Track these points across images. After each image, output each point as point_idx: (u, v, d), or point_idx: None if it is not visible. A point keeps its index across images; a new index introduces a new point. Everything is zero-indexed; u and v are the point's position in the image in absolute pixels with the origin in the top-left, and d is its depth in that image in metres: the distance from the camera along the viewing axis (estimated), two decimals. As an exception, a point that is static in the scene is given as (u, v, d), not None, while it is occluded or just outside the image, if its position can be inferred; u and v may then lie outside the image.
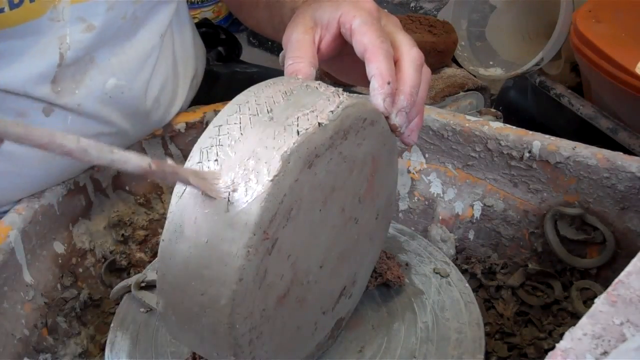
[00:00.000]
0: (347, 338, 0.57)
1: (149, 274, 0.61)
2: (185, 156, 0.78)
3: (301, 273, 0.45)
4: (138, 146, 0.75)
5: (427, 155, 0.74)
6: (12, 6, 0.54)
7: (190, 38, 0.80)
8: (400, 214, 0.77)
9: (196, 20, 0.96)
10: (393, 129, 0.50)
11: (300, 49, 0.51)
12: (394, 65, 0.50)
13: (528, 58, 1.20)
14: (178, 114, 0.78)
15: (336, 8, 0.53)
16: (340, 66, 0.59)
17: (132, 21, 0.66)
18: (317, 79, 0.50)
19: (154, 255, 0.75)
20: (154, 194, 0.78)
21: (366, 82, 0.50)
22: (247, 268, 0.39)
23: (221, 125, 0.41)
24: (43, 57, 0.59)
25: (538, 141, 0.65)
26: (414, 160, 0.75)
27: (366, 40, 0.50)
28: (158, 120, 0.74)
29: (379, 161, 0.50)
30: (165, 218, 0.42)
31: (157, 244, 0.61)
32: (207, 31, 1.02)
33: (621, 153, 0.62)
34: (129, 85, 0.67)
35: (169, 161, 0.37)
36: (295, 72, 0.50)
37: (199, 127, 0.78)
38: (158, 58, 0.71)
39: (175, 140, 0.78)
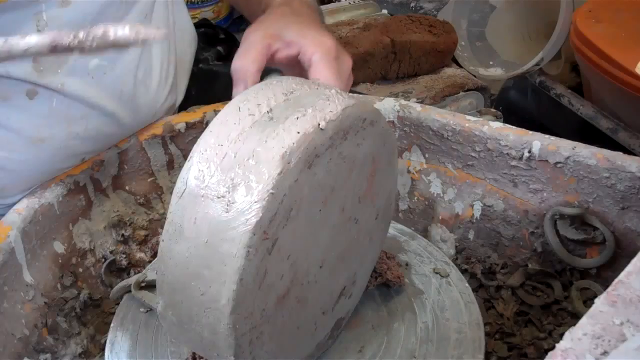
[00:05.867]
0: (347, 338, 0.57)
1: (149, 274, 0.61)
2: (185, 156, 0.78)
3: (301, 273, 0.45)
4: (138, 145, 0.75)
5: (427, 155, 0.74)
6: None
7: (187, 22, 0.81)
8: (400, 214, 0.77)
9: (195, 20, 0.96)
10: None
11: (251, 50, 0.56)
12: None
13: (528, 58, 1.20)
14: (178, 113, 0.78)
15: (301, 35, 0.57)
16: (293, 72, 0.61)
17: (118, 4, 0.66)
18: (317, 79, 0.50)
19: (154, 255, 0.75)
20: (154, 194, 0.78)
21: None
22: (247, 268, 0.39)
23: (221, 125, 0.41)
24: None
25: (538, 141, 0.65)
26: (414, 160, 0.75)
27: (322, 77, 0.54)
28: (148, 104, 0.74)
29: (378, 161, 0.50)
30: (165, 218, 0.42)
31: (157, 244, 0.61)
32: (206, 31, 1.02)
33: (621, 153, 0.62)
34: (111, 66, 0.67)
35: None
36: (240, 67, 0.54)
37: (199, 127, 0.78)
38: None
39: (175, 140, 0.78)
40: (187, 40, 0.83)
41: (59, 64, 0.62)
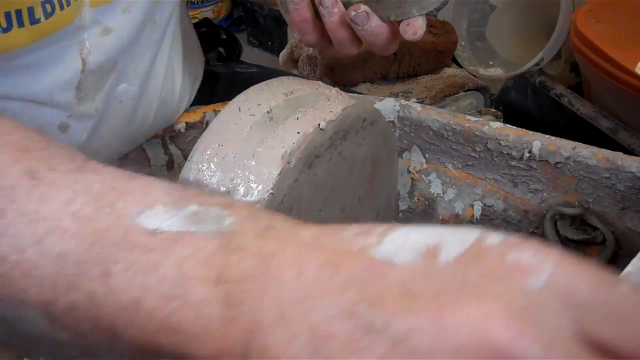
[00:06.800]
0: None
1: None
2: (185, 156, 0.78)
3: (301, 273, 0.45)
4: (137, 146, 0.75)
5: (427, 155, 0.74)
6: (47, 15, 0.54)
7: (194, 37, 0.80)
8: (400, 214, 0.76)
9: (196, 20, 0.96)
10: None
11: None
12: None
13: (528, 58, 1.19)
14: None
15: None
16: None
17: (151, 26, 0.65)
18: (317, 79, 0.50)
19: (154, 255, 0.74)
20: (154, 194, 0.78)
21: None
22: (247, 268, 0.39)
23: (221, 126, 0.41)
24: (66, 65, 0.59)
25: (538, 141, 0.65)
26: (414, 160, 0.74)
27: None
28: (164, 121, 0.74)
29: (379, 161, 0.50)
30: (165, 218, 0.42)
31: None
32: (207, 31, 1.02)
33: (621, 153, 0.62)
34: (139, 90, 0.67)
35: None
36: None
37: (199, 127, 0.78)
38: (170, 58, 0.71)
39: (175, 140, 0.77)
40: (197, 52, 0.83)
41: (96, 91, 0.62)
